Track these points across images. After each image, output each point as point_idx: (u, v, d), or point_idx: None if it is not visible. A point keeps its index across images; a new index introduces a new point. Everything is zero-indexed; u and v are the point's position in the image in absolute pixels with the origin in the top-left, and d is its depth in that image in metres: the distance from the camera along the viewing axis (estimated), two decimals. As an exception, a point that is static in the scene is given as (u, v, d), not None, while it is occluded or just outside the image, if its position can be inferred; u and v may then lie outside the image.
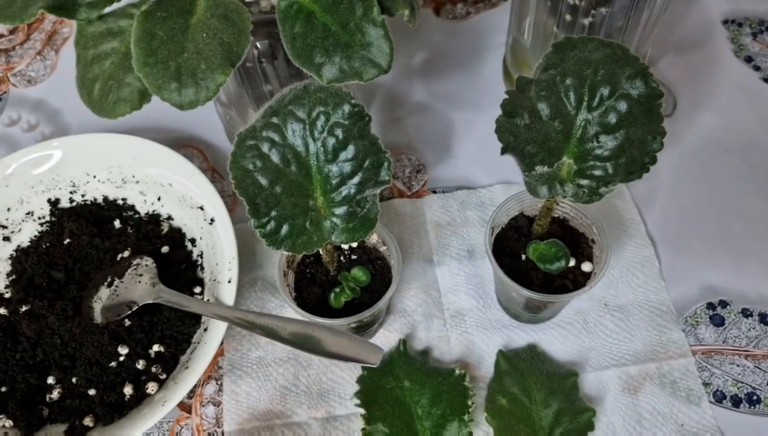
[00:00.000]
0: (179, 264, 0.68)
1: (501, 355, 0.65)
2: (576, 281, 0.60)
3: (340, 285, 0.61)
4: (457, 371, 0.63)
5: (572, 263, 0.60)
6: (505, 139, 0.51)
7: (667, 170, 0.76)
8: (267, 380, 0.66)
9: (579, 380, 0.64)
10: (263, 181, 0.51)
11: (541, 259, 0.59)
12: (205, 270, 0.67)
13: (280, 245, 0.52)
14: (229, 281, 0.62)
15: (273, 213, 0.51)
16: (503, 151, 0.51)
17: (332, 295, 0.61)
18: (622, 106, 0.48)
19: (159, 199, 0.71)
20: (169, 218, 0.71)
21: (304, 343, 0.56)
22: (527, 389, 0.62)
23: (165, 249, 0.68)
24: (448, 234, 0.73)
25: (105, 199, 0.72)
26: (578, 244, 0.62)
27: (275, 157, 0.50)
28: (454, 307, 0.69)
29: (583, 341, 0.66)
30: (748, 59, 0.83)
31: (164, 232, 0.70)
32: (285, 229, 0.51)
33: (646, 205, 0.74)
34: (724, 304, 0.67)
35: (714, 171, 0.76)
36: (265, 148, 0.50)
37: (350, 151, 0.51)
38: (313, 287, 0.62)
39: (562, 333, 0.67)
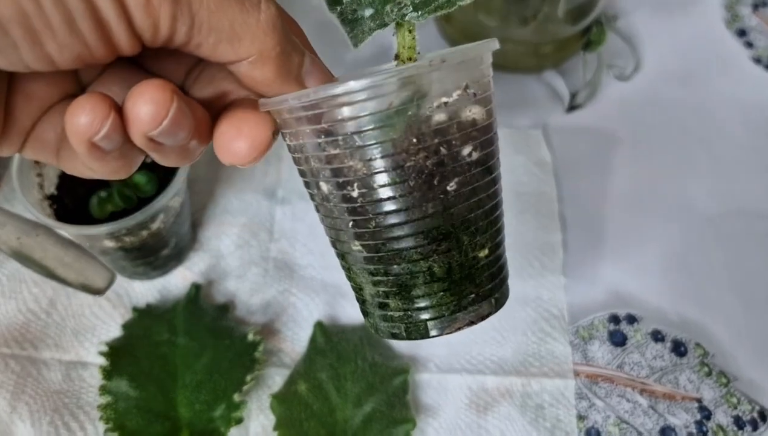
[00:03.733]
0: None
1: (318, 327, 0.48)
2: None
3: (110, 188, 0.45)
4: (251, 336, 0.47)
5: None
6: None
7: (603, 142, 0.59)
8: (13, 298, 0.50)
9: (414, 380, 0.47)
10: None
11: None
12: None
13: None
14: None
15: None
16: None
17: (95, 198, 0.44)
18: None
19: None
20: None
21: (17, 248, 0.39)
22: (339, 378, 0.46)
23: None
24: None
25: None
26: None
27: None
28: (284, 257, 0.52)
29: (437, 331, 0.50)
30: (741, 33, 0.66)
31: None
32: None
33: (566, 179, 0.57)
34: (631, 319, 0.51)
35: (659, 154, 0.59)
36: None
37: None
38: (78, 188, 0.46)
39: (413, 316, 0.50)
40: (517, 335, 0.50)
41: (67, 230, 0.41)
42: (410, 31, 0.29)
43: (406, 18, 0.28)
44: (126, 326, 0.48)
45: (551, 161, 0.58)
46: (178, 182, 0.43)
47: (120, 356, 0.45)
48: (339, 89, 0.24)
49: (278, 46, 0.22)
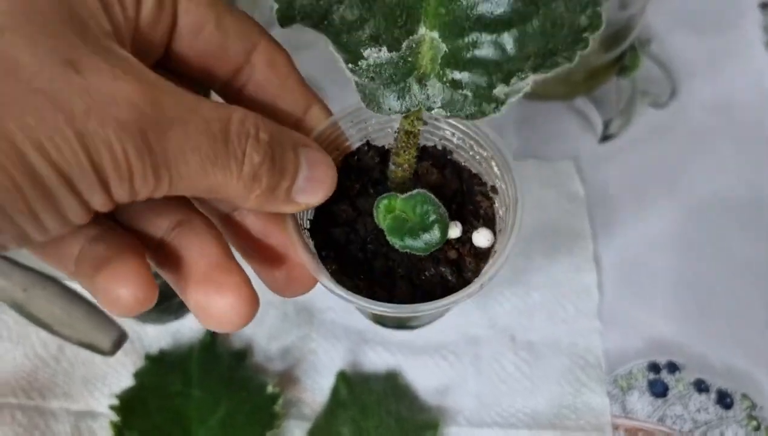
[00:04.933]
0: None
1: (341, 378, 0.45)
2: (462, 265, 0.31)
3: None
4: (270, 389, 0.44)
5: (456, 231, 0.31)
6: None
7: (638, 174, 0.56)
8: (21, 343, 0.48)
9: (442, 435, 0.44)
10: None
11: (396, 229, 0.30)
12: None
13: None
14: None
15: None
16: (283, 20, 0.24)
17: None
18: None
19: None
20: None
21: (22, 301, 0.37)
22: (362, 433, 0.43)
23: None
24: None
25: None
26: (468, 196, 0.34)
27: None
28: (303, 300, 0.50)
29: (466, 381, 0.47)
30: (782, 56, 0.63)
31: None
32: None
33: (599, 215, 0.54)
34: (672, 367, 0.48)
35: (698, 187, 0.56)
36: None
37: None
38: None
39: (441, 364, 0.48)
40: (550, 385, 0.47)
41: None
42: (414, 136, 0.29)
43: (433, 111, 0.26)
44: (138, 375, 0.45)
45: (584, 196, 0.55)
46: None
47: (131, 409, 0.43)
48: None
49: (261, 191, 0.21)
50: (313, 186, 0.23)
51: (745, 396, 0.46)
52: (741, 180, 0.56)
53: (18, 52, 0.16)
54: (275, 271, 0.25)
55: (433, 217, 0.29)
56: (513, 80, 0.25)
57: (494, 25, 0.25)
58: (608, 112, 0.59)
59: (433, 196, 0.30)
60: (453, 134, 0.34)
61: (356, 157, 0.34)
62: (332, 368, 0.47)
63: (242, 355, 0.47)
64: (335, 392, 0.45)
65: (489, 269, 0.30)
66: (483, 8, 0.24)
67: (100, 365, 0.47)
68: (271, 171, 0.21)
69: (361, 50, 0.25)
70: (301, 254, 0.26)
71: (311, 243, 0.29)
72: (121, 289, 0.20)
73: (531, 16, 0.24)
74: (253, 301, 0.22)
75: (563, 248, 0.52)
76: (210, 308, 0.22)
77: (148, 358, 0.46)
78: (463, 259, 0.31)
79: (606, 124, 0.58)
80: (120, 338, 0.36)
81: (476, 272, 0.31)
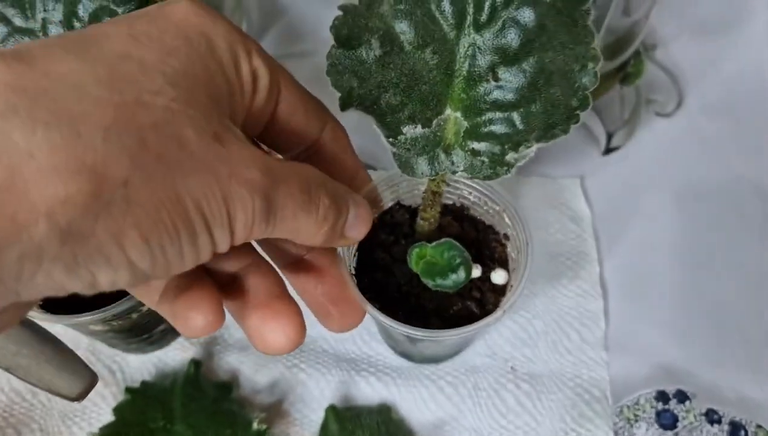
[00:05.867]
0: None
1: (331, 412, 0.43)
2: (484, 299, 0.40)
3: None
4: (256, 425, 0.42)
5: (477, 272, 0.39)
6: (344, 85, 0.32)
7: (645, 188, 0.53)
8: (-5, 378, 0.45)
9: (438, 473, 0.42)
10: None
11: (428, 271, 0.37)
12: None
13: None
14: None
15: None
16: (344, 106, 0.32)
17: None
18: (527, 16, 0.30)
19: None
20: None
21: (13, 356, 0.35)
22: (354, 473, 0.41)
23: None
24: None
25: None
26: (485, 243, 0.42)
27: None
28: (292, 326, 0.47)
29: (464, 415, 0.45)
30: (794, 62, 0.60)
31: None
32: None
33: (604, 235, 0.51)
34: (682, 397, 0.45)
35: (707, 201, 0.53)
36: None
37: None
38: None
39: (437, 397, 0.45)
40: (553, 420, 0.44)
41: (47, 320, 0.36)
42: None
43: (456, 174, 0.33)
44: (118, 409, 0.43)
45: (590, 216, 0.52)
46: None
47: (110, 449, 0.40)
48: None
49: (326, 228, 0.25)
50: (359, 223, 0.28)
51: (760, 427, 0.44)
52: (756, 191, 0.53)
53: (185, 130, 0.21)
54: (330, 307, 0.30)
55: (458, 260, 0.37)
56: (521, 148, 0.32)
57: (505, 107, 0.32)
58: (612, 123, 0.56)
59: (458, 243, 0.37)
60: (470, 193, 0.42)
61: (390, 214, 0.43)
62: (322, 401, 0.45)
63: (227, 388, 0.44)
64: (324, 427, 0.43)
65: (508, 301, 0.37)
66: (496, 95, 0.32)
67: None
68: (334, 212, 0.26)
69: (401, 127, 0.33)
70: (353, 291, 0.32)
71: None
72: (196, 314, 0.25)
73: (534, 100, 0.32)
74: (302, 329, 0.27)
75: (569, 273, 0.49)
76: (265, 331, 0.27)
77: (129, 391, 0.43)
78: (484, 295, 0.40)
79: (609, 136, 0.56)
80: (90, 384, 0.33)
81: (495, 305, 0.39)
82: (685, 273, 0.50)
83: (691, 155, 0.56)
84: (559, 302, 0.48)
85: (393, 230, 0.42)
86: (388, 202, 0.43)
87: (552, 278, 0.49)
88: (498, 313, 0.36)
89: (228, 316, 0.25)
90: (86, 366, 0.34)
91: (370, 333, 0.47)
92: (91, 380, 0.33)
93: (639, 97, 0.57)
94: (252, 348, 0.46)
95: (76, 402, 0.33)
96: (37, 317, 0.36)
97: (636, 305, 0.49)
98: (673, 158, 0.55)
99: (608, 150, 0.56)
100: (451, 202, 0.43)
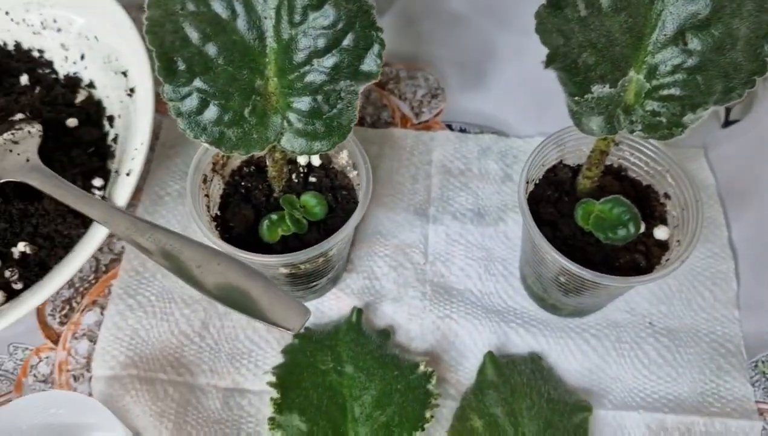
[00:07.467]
0: (86, 145, 0.50)
1: (490, 358, 0.45)
2: (649, 253, 0.43)
3: (281, 211, 0.43)
4: (422, 367, 0.44)
5: (641, 228, 0.42)
6: (552, 42, 0.35)
7: (766, 158, 0.56)
8: (165, 319, 0.48)
9: (591, 417, 0.44)
10: (192, 33, 0.35)
11: (599, 225, 0.41)
12: (115, 159, 0.49)
13: (200, 132, 0.36)
14: (128, 174, 0.44)
15: (197, 82, 0.36)
16: (549, 63, 0.35)
17: (265, 222, 0.42)
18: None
19: (83, 57, 0.53)
20: (91, 85, 0.53)
21: (222, 288, 0.37)
22: (515, 414, 0.43)
23: (72, 122, 0.50)
24: (457, 186, 0.54)
25: (17, 46, 0.54)
26: (644, 202, 0.45)
27: (216, 2, 0.35)
28: (441, 281, 0.50)
29: (609, 365, 0.47)
30: None
31: (79, 101, 0.52)
32: (212, 110, 0.36)
33: (736, 204, 0.53)
34: (817, 356, 0.47)
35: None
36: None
37: (328, 14, 0.35)
38: (243, 208, 0.44)
39: (583, 348, 0.48)
40: (693, 372, 0.47)
41: (246, 258, 0.39)
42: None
43: (633, 133, 0.37)
44: (287, 352, 0.46)
45: (714, 183, 0.54)
46: (363, 206, 0.40)
47: (288, 386, 0.43)
48: None
49: None
50: None
51: None
52: None
53: None
54: None
55: (628, 215, 0.41)
56: (699, 110, 0.35)
57: (689, 70, 0.34)
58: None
59: (625, 199, 0.40)
60: (632, 154, 0.45)
61: (553, 172, 0.46)
62: (474, 349, 0.47)
63: (386, 334, 0.47)
64: (482, 372, 0.45)
65: (679, 254, 0.40)
66: (680, 58, 0.34)
67: (244, 341, 0.48)
68: None
69: (591, 86, 0.35)
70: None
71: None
72: None
73: (718, 64, 0.34)
74: None
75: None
76: None
77: (296, 336, 0.46)
78: (649, 249, 0.43)
79: (728, 109, 0.58)
80: (306, 314, 0.36)
81: (659, 259, 0.42)
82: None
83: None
84: (690, 262, 0.51)
85: (557, 188, 0.45)
86: (552, 161, 0.45)
87: (688, 240, 0.51)
88: (676, 263, 0.39)
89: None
90: (299, 302, 0.36)
91: (514, 288, 0.50)
92: (304, 313, 0.36)
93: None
94: (405, 299, 0.49)
95: (292, 332, 0.36)
96: (238, 253, 0.39)
97: (765, 266, 0.51)
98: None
99: (727, 123, 0.58)
100: (610, 163, 0.46)
